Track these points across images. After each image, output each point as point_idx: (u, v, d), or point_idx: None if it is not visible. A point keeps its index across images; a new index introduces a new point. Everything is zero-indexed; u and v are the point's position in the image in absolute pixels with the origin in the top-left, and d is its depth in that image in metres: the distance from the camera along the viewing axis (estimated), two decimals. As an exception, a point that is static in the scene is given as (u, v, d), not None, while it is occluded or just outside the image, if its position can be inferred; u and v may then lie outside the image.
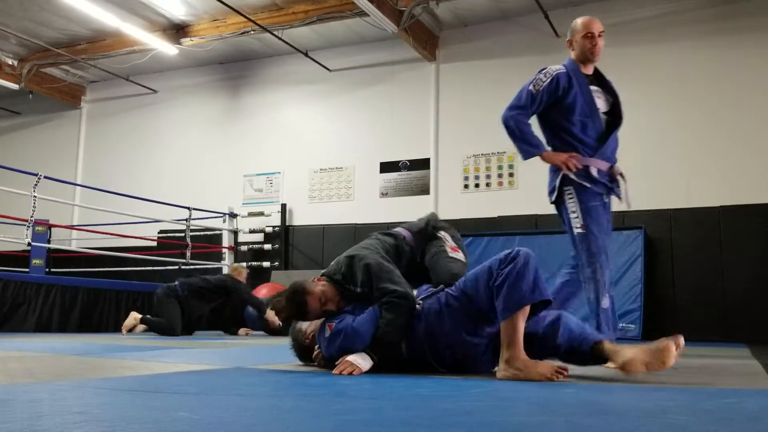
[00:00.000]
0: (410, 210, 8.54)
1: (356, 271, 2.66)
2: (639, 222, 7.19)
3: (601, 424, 1.38)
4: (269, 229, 9.16)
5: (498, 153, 8.25)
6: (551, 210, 8.94)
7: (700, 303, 6.93)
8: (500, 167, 8.21)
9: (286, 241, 9.14)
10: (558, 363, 2.30)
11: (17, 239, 6.71)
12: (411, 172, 8.69)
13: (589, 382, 2.24)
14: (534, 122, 3.41)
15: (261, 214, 9.23)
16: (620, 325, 6.67)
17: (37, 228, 7.75)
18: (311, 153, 9.28)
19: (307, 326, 2.81)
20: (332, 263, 2.82)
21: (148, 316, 6.35)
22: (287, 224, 9.17)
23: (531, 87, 3.31)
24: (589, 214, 3.23)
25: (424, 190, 8.57)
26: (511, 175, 8.15)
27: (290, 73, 9.61)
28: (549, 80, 3.31)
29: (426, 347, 2.50)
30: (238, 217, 9.35)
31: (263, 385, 2.15)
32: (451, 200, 8.41)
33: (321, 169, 9.23)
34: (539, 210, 7.81)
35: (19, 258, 9.05)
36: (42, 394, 1.79)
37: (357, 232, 8.67)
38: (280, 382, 2.25)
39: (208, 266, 8.92)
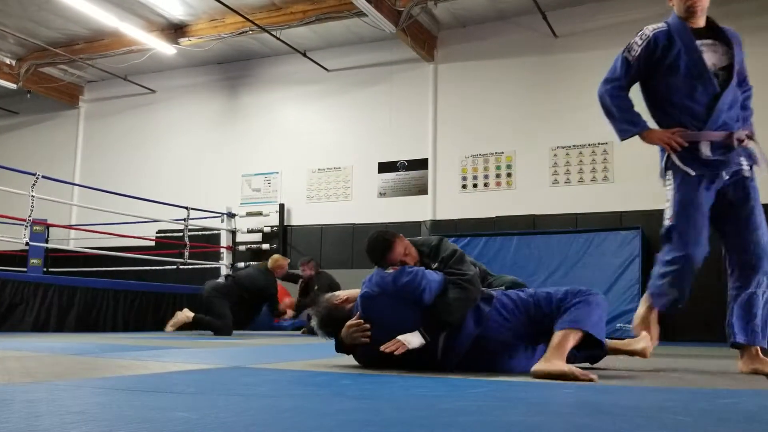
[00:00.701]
0: (408, 210, 8.56)
1: (442, 251, 2.76)
2: (637, 222, 7.20)
3: (598, 424, 1.38)
4: (267, 229, 9.16)
5: (496, 153, 8.26)
6: (548, 210, 8.93)
7: (697, 303, 6.91)
8: (498, 167, 8.22)
9: (284, 241, 9.14)
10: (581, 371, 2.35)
11: (15, 239, 6.70)
12: (409, 173, 8.69)
13: (586, 383, 2.24)
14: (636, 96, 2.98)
15: (259, 214, 9.23)
16: (617, 325, 6.68)
17: (35, 228, 7.74)
18: (309, 153, 9.28)
19: (340, 293, 2.82)
20: (419, 238, 2.96)
21: (203, 315, 6.31)
22: (285, 224, 9.17)
23: (625, 53, 2.91)
24: (683, 206, 2.74)
25: (422, 190, 8.58)
26: (509, 175, 8.16)
27: (288, 73, 9.61)
28: (645, 43, 2.83)
29: (467, 346, 2.54)
30: (236, 217, 9.35)
31: (262, 384, 2.15)
32: (449, 200, 8.41)
33: (319, 169, 9.23)
34: (537, 210, 7.83)
35: (17, 257, 9.04)
36: (40, 393, 1.79)
37: (355, 232, 8.68)
38: (279, 382, 2.25)
39: (206, 266, 8.92)
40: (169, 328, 6.15)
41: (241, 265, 8.94)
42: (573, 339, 2.38)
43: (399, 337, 2.48)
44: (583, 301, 2.44)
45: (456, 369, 2.53)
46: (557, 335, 2.39)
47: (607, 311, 2.52)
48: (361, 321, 2.58)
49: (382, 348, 2.46)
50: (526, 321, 2.54)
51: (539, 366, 2.34)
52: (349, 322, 2.62)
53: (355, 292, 2.75)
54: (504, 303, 2.60)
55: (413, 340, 2.48)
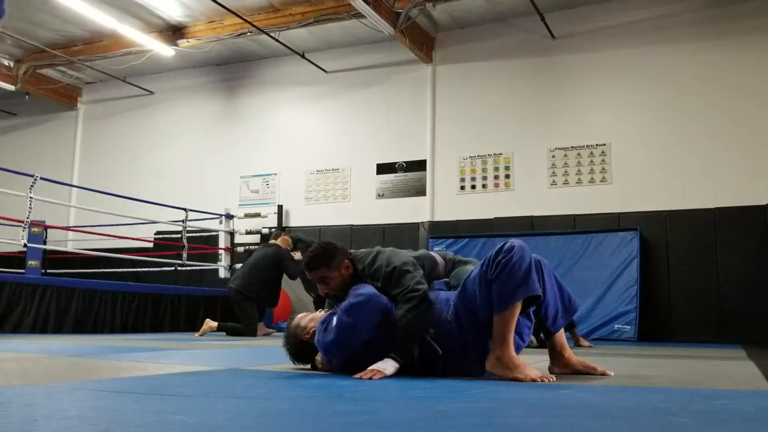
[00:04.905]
0: (407, 211, 8.56)
1: (380, 271, 2.63)
2: (635, 224, 7.21)
3: (596, 425, 1.38)
4: (266, 231, 9.15)
5: (494, 154, 8.26)
6: (547, 211, 9.01)
7: (695, 304, 6.95)
8: (496, 168, 8.22)
9: (282, 243, 9.12)
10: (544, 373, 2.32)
11: (13, 240, 6.69)
12: (407, 174, 8.69)
13: (585, 384, 2.24)
14: None
15: (257, 215, 9.22)
16: (615, 326, 6.69)
17: (33, 229, 7.73)
18: (308, 154, 9.28)
19: (307, 321, 2.68)
20: (362, 251, 2.82)
21: (228, 323, 6.55)
22: (283, 225, 9.16)
23: None
24: None
25: (421, 191, 8.57)
26: (507, 176, 8.16)
27: (287, 75, 9.61)
28: None
29: (439, 357, 2.45)
30: (234, 219, 9.34)
31: (259, 386, 2.15)
32: (447, 202, 8.41)
33: (317, 171, 9.23)
34: (535, 211, 7.83)
35: (15, 259, 9.03)
36: (37, 396, 1.78)
37: (353, 233, 8.67)
38: (277, 384, 2.24)
39: (204, 267, 8.91)
40: (197, 336, 6.32)
41: (238, 266, 8.92)
42: (512, 317, 2.30)
43: (373, 366, 2.37)
44: (502, 269, 2.29)
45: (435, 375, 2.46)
46: (496, 324, 2.31)
47: (529, 257, 2.33)
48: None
49: (356, 376, 2.35)
50: (472, 323, 2.42)
51: (492, 367, 2.31)
52: (318, 359, 2.62)
53: (317, 315, 2.69)
54: (447, 340, 2.46)
55: (389, 367, 2.37)
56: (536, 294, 2.32)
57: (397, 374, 2.40)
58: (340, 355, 2.49)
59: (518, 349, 2.55)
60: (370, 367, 2.36)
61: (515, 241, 2.35)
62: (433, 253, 3.06)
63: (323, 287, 2.73)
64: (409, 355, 2.43)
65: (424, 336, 2.45)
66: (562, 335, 2.55)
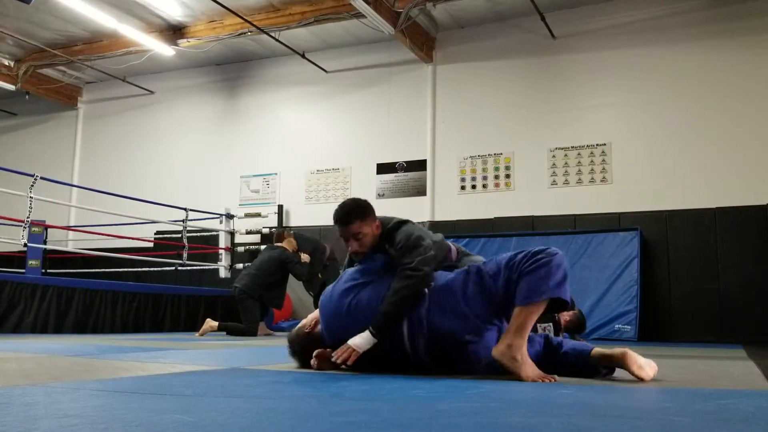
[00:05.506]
0: (407, 211, 8.55)
1: (397, 239, 2.64)
2: (635, 223, 7.21)
3: (597, 425, 1.38)
4: (266, 230, 9.16)
5: (494, 154, 8.26)
6: (547, 211, 8.99)
7: (695, 304, 6.95)
8: (497, 168, 8.23)
9: (282, 243, 9.12)
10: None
11: (13, 240, 6.69)
12: (408, 174, 8.70)
13: (585, 384, 2.24)
14: None
15: (258, 215, 9.22)
16: (616, 326, 6.69)
17: (33, 229, 7.73)
18: (308, 154, 9.28)
19: (303, 322, 2.79)
20: (382, 216, 2.86)
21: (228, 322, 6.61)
22: (284, 225, 9.17)
23: None
24: None
25: (421, 191, 8.58)
26: (507, 176, 8.16)
27: (287, 75, 9.61)
28: None
29: (425, 332, 2.42)
30: (234, 218, 9.34)
31: (259, 386, 2.15)
32: (447, 201, 8.42)
33: (318, 170, 9.23)
34: (535, 211, 7.83)
35: (15, 259, 9.03)
36: (38, 396, 1.78)
37: (354, 233, 8.67)
38: (276, 384, 2.24)
39: (204, 267, 8.91)
40: (197, 335, 6.34)
41: (240, 266, 8.92)
42: (536, 312, 2.26)
43: (348, 342, 2.38)
44: (540, 265, 2.27)
45: (428, 363, 2.46)
46: (517, 314, 2.26)
47: (568, 268, 2.31)
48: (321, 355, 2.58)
49: (333, 358, 2.35)
50: (481, 302, 2.39)
51: (500, 355, 2.26)
52: (316, 353, 2.60)
53: (316, 314, 2.75)
54: (442, 293, 2.45)
55: (362, 342, 2.38)
56: (565, 299, 2.29)
57: (396, 373, 2.40)
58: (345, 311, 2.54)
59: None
60: (346, 344, 2.40)
61: (559, 251, 2.35)
62: (448, 242, 3.10)
63: (355, 244, 2.67)
64: (384, 332, 2.43)
65: (399, 316, 2.45)
66: (596, 350, 2.42)
